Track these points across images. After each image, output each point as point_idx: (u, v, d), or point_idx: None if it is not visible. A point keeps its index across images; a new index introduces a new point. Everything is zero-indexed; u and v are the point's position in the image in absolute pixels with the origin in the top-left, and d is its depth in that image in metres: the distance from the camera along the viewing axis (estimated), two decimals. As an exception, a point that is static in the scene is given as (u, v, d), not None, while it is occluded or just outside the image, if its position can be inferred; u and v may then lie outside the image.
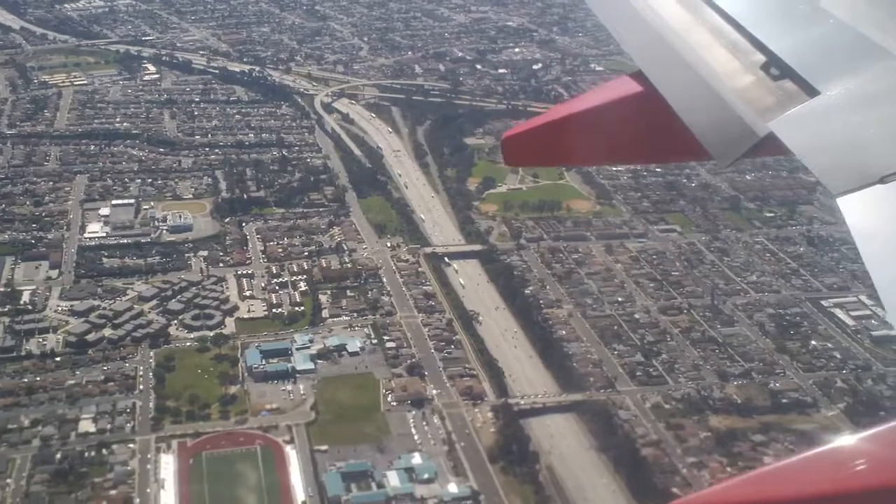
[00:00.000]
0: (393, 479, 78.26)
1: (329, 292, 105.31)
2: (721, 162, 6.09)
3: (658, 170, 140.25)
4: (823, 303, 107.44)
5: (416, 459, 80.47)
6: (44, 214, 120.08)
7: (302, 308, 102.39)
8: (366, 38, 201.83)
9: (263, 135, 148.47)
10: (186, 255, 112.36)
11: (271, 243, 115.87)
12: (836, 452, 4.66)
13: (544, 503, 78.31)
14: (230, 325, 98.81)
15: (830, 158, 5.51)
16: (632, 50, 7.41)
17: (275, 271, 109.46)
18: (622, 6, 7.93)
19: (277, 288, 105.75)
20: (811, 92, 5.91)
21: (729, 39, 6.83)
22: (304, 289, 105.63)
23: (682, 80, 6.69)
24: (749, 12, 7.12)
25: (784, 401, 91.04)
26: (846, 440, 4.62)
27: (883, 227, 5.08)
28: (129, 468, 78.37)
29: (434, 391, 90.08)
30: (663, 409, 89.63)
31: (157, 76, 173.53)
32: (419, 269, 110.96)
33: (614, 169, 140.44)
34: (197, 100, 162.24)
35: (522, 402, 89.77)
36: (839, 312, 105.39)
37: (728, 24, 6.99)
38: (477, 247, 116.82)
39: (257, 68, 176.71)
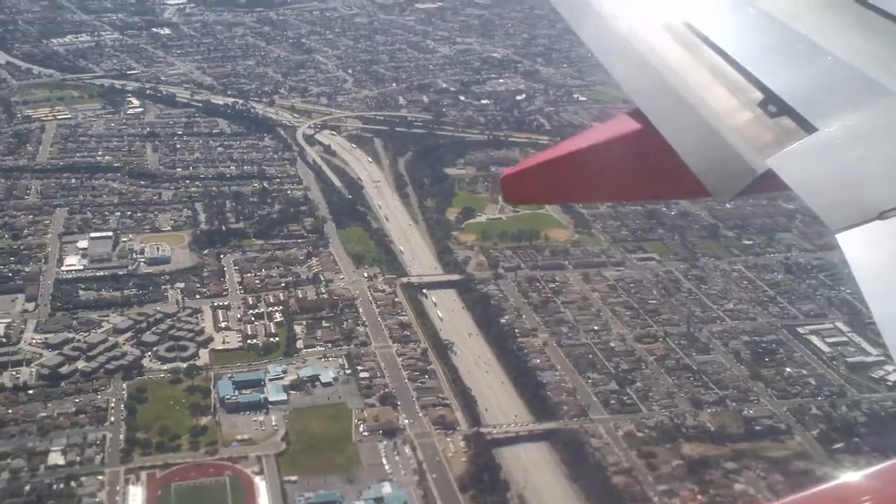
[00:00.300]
0: (362, 510, 77.73)
1: (304, 323, 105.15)
2: (720, 199, 6.17)
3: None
4: (799, 330, 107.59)
5: (386, 489, 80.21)
6: (22, 248, 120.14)
7: (277, 339, 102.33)
8: (350, 71, 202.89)
9: (245, 167, 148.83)
10: (163, 287, 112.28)
11: (248, 275, 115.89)
12: (840, 490, 4.64)
13: (514, 532, 77.48)
14: (204, 357, 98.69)
15: (829, 194, 5.53)
16: (629, 88, 7.41)
17: (251, 302, 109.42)
18: (619, 45, 7.98)
19: (253, 319, 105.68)
20: (809, 129, 5.97)
21: (727, 78, 6.88)
22: (279, 320, 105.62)
23: (681, 118, 6.74)
24: (746, 51, 7.18)
25: (757, 428, 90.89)
26: (850, 477, 4.61)
27: (883, 262, 5.05)
28: (97, 500, 78.14)
29: (406, 421, 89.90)
30: (636, 437, 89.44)
31: (140, 110, 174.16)
32: (395, 300, 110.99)
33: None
34: (179, 132, 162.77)
35: (495, 431, 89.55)
36: (815, 339, 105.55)
37: (726, 62, 7.03)
38: (454, 276, 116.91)
39: (240, 101, 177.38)
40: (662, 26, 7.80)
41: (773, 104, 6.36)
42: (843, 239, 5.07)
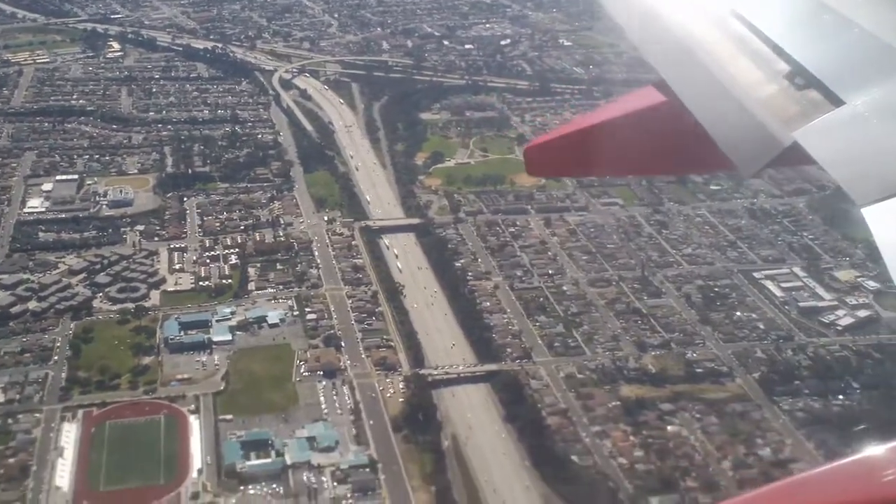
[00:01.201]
0: (293, 448, 78.52)
1: (258, 265, 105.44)
2: (746, 172, 6.10)
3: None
4: (755, 275, 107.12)
5: (319, 429, 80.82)
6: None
7: (230, 281, 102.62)
8: (336, 15, 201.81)
9: (218, 111, 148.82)
10: (123, 229, 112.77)
11: (209, 217, 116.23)
12: (866, 462, 4.64)
13: (442, 471, 78.23)
14: (155, 298, 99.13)
15: (855, 168, 5.49)
16: (655, 59, 7.37)
17: (208, 245, 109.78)
18: (645, 17, 7.95)
19: (208, 261, 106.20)
20: (836, 102, 5.88)
21: (753, 50, 6.80)
22: (234, 262, 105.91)
23: (706, 90, 6.67)
24: (774, 23, 7.07)
25: (699, 370, 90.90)
26: (875, 450, 4.62)
27: None
28: (31, 436, 79.00)
29: (348, 362, 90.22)
30: (576, 379, 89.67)
31: (120, 54, 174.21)
32: (352, 243, 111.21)
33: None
34: (157, 77, 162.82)
35: (436, 373, 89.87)
36: (769, 284, 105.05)
37: (753, 34, 6.95)
38: (414, 220, 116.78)
39: (220, 45, 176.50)
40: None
41: (799, 77, 6.28)
42: (868, 213, 5.04)
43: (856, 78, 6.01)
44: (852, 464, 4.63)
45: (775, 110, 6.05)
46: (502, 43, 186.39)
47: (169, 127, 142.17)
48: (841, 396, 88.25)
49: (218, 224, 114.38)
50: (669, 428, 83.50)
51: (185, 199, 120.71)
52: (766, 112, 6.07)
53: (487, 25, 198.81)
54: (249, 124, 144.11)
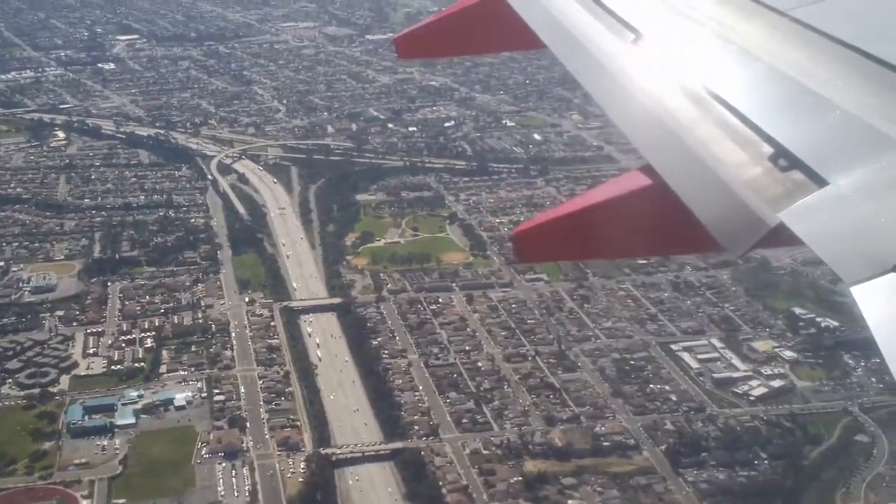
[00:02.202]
0: (184, 532, 77.19)
1: (173, 348, 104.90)
2: (733, 253, 6.09)
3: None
4: (673, 346, 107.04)
5: (211, 512, 79.56)
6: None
7: (142, 364, 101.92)
8: (285, 101, 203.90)
9: (154, 196, 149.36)
10: (42, 315, 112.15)
11: (131, 302, 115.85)
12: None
13: (335, 552, 76.92)
14: (64, 383, 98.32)
15: (842, 247, 5.40)
16: (639, 143, 7.34)
17: (125, 328, 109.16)
18: (627, 100, 7.93)
19: (123, 345, 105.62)
20: (820, 182, 5.88)
21: (736, 132, 6.81)
22: (149, 345, 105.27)
23: (691, 173, 6.69)
24: (755, 105, 7.11)
25: (606, 444, 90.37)
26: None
27: None
28: (-82, 527, 77.46)
29: (251, 443, 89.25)
30: (481, 455, 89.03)
31: (64, 142, 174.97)
32: (271, 324, 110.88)
33: (496, 220, 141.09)
34: (97, 164, 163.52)
35: (339, 452, 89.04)
36: (686, 356, 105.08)
37: (735, 116, 6.97)
38: (336, 300, 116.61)
39: (164, 132, 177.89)
40: (671, 82, 7.70)
41: (783, 158, 6.32)
42: (857, 292, 4.93)
43: (839, 158, 6.06)
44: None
45: (760, 192, 6.11)
46: (446, 125, 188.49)
47: (103, 213, 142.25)
48: (747, 467, 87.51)
49: (139, 308, 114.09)
50: (569, 503, 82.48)
51: (109, 283, 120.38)
52: (752, 193, 6.12)
53: (434, 108, 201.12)
54: (184, 209, 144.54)
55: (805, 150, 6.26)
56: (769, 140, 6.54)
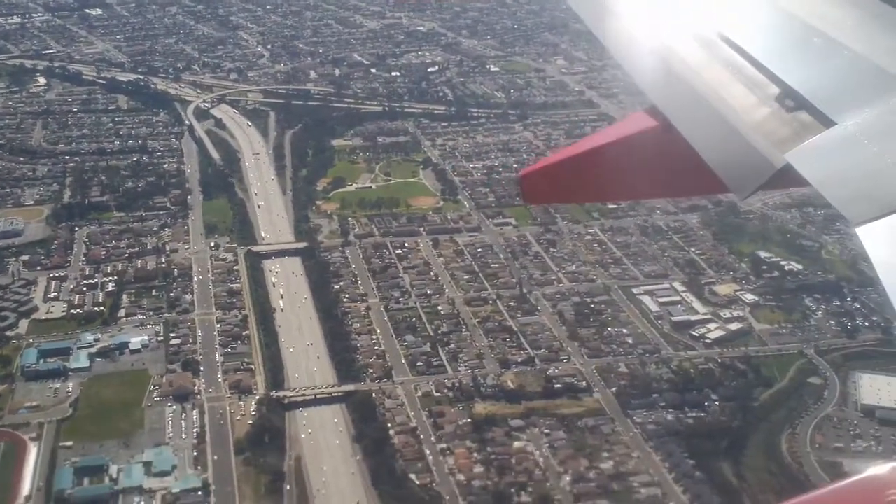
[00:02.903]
0: (128, 474, 77.91)
1: (133, 292, 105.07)
2: (739, 195, 6.12)
3: (515, 165, 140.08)
4: (634, 290, 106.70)
5: (157, 453, 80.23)
6: None
7: (102, 308, 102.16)
8: (269, 46, 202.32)
9: (129, 142, 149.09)
10: (6, 259, 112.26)
11: (97, 247, 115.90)
12: (871, 481, 4.61)
13: (277, 492, 77.55)
14: (23, 327, 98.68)
15: (848, 188, 5.54)
16: (646, 85, 7.39)
17: (88, 273, 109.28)
18: (635, 43, 7.95)
19: (85, 289, 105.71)
20: (827, 123, 5.94)
21: (744, 73, 6.82)
22: (111, 289, 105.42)
23: (698, 115, 6.72)
24: (763, 46, 7.10)
25: (557, 386, 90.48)
26: (881, 469, 4.58)
27: None
28: None
29: (203, 386, 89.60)
30: (432, 397, 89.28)
31: (44, 88, 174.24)
32: (234, 268, 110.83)
33: (470, 166, 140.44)
34: (75, 110, 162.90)
35: (292, 395, 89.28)
36: (647, 299, 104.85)
37: (742, 58, 6.97)
38: (301, 245, 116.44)
39: (144, 78, 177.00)
40: (679, 25, 7.72)
41: (790, 99, 6.33)
42: (862, 232, 5.09)
43: (846, 99, 6.05)
44: (857, 483, 4.62)
45: (767, 133, 6.11)
46: (429, 70, 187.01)
47: (76, 159, 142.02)
48: (697, 409, 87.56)
49: (104, 252, 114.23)
50: (515, 444, 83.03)
51: (76, 228, 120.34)
52: (758, 135, 6.12)
53: (419, 53, 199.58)
54: (158, 154, 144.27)
55: (813, 90, 6.23)
56: (777, 81, 6.50)
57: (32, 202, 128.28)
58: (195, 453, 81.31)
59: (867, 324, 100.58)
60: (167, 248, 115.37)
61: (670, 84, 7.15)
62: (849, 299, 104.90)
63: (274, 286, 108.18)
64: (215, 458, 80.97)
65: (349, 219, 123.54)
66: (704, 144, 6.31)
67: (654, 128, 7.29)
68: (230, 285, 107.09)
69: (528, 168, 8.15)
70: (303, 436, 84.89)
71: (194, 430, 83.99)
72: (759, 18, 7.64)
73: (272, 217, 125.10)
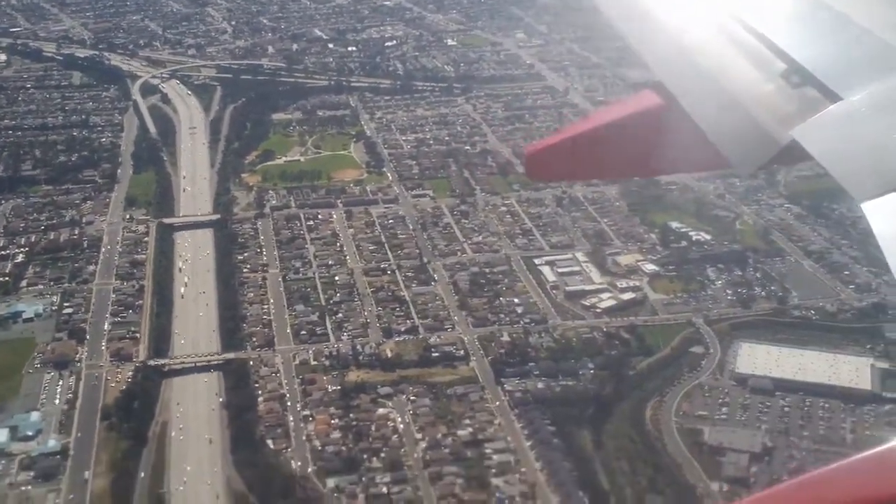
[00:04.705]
0: (-8, 437, 79.34)
1: (39, 263, 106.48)
2: (744, 172, 6.23)
3: (447, 138, 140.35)
4: (536, 261, 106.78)
5: (24, 418, 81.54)
6: None
7: (7, 279, 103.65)
8: (234, 22, 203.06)
9: (73, 117, 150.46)
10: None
11: (17, 219, 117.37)
12: (886, 456, 4.56)
13: (135, 457, 78.66)
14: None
15: (853, 164, 5.51)
16: (652, 62, 7.45)
17: (3, 244, 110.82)
18: (641, 18, 8.07)
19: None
20: (833, 98, 5.96)
21: (749, 48, 6.85)
22: (20, 260, 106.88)
23: (703, 91, 6.78)
24: (769, 20, 7.15)
25: (435, 355, 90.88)
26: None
27: None
28: None
29: (85, 353, 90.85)
30: (308, 365, 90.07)
31: (3, 64, 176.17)
32: (144, 239, 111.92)
33: (402, 138, 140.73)
34: (29, 86, 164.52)
35: (172, 362, 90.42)
36: (546, 269, 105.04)
37: (748, 32, 7.03)
38: (214, 216, 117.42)
39: (100, 54, 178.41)
40: (686, 1, 7.91)
41: (796, 74, 6.36)
42: (867, 208, 5.08)
43: (852, 74, 6.05)
44: (870, 457, 4.54)
45: (772, 109, 6.13)
46: (386, 45, 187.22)
47: (18, 133, 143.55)
48: (570, 377, 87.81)
49: (23, 224, 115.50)
50: (379, 411, 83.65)
51: (2, 202, 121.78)
52: (764, 111, 6.15)
53: (381, 28, 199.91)
54: (98, 128, 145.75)
55: (818, 65, 6.24)
56: (782, 56, 6.53)
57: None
58: (63, 419, 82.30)
59: (764, 294, 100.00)
60: (83, 220, 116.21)
61: (676, 61, 7.18)
62: (751, 269, 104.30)
63: (180, 257, 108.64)
64: (81, 423, 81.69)
65: (270, 191, 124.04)
66: (710, 122, 6.32)
67: (659, 105, 7.29)
68: (135, 256, 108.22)
69: (534, 145, 8.23)
70: (175, 403, 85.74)
71: (67, 396, 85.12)
72: None
73: (195, 189, 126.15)
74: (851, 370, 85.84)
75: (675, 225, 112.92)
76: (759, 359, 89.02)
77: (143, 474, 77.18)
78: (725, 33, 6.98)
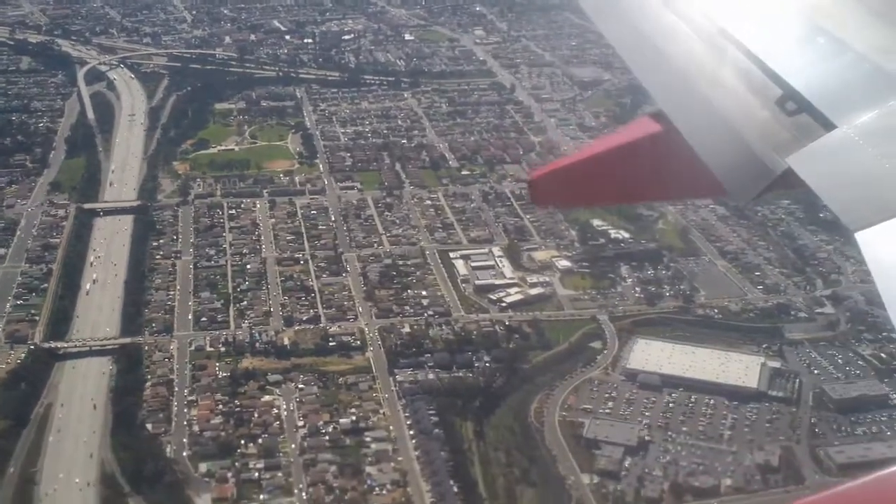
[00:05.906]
0: None
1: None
2: (740, 200, 6.56)
3: (385, 131, 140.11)
4: (451, 255, 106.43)
5: None
6: None
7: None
8: (194, 12, 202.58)
9: (14, 102, 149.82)
10: None
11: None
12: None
13: (14, 437, 78.22)
14: None
15: (848, 193, 5.47)
16: (652, 90, 7.45)
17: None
18: (642, 44, 8.04)
19: None
20: (828, 126, 5.90)
21: (748, 74, 6.79)
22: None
23: (701, 119, 6.73)
24: (766, 45, 7.05)
25: (332, 344, 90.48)
26: None
27: None
28: None
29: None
30: (203, 352, 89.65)
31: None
32: (61, 224, 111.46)
33: (341, 131, 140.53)
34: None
35: (67, 346, 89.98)
36: (460, 263, 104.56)
37: (745, 57, 6.94)
38: (137, 203, 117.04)
39: (51, 40, 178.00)
40: (684, 24, 7.78)
41: (792, 101, 6.31)
42: (861, 238, 4.99)
43: (848, 101, 6.01)
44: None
45: (769, 136, 6.08)
46: (343, 38, 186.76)
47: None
48: (464, 369, 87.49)
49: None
50: (264, 398, 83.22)
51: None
52: (760, 138, 6.10)
53: (342, 21, 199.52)
54: (38, 114, 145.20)
55: (815, 92, 6.16)
56: (779, 81, 6.44)
57: None
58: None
59: (671, 292, 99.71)
60: (4, 203, 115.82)
61: (675, 89, 7.16)
62: (663, 268, 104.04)
63: (96, 242, 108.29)
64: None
65: (197, 179, 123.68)
66: (707, 150, 6.28)
67: (658, 132, 7.33)
68: (49, 240, 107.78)
69: (537, 171, 8.31)
70: (63, 386, 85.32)
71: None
72: (762, 16, 7.54)
73: (123, 176, 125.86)
74: (741, 368, 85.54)
75: (596, 223, 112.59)
76: (651, 355, 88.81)
77: (18, 454, 76.13)
78: (722, 56, 6.96)
